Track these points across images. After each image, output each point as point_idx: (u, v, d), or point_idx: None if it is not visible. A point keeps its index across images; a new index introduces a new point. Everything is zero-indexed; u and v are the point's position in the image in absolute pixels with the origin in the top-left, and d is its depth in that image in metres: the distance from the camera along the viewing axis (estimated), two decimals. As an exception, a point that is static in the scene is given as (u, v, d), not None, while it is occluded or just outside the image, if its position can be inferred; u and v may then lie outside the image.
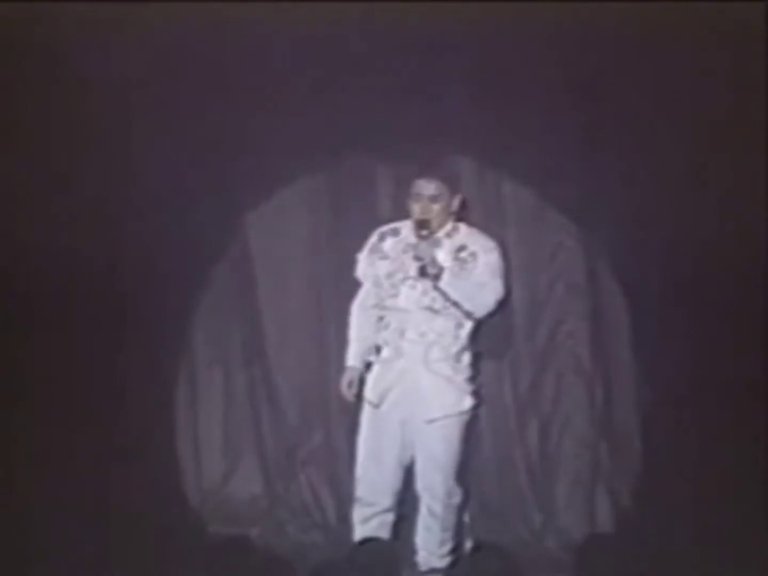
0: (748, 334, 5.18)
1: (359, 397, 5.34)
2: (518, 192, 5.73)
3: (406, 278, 5.22)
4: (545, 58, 5.37)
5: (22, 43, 5.27)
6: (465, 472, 5.36)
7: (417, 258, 5.13)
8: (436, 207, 5.19)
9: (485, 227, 5.43)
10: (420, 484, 5.27)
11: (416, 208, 5.21)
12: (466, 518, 5.49)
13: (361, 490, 5.31)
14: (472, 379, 5.29)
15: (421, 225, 5.16)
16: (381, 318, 5.29)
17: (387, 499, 5.28)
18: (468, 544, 5.47)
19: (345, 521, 5.51)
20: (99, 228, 5.55)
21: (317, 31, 5.30)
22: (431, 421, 5.17)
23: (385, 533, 5.28)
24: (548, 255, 5.75)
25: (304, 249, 5.87)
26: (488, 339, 5.47)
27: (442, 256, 5.17)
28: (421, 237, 5.15)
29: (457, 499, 5.30)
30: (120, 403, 5.67)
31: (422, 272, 5.12)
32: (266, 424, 5.96)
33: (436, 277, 5.11)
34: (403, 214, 5.33)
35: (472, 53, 5.36)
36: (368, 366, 5.34)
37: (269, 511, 5.87)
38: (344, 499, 5.69)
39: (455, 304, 5.16)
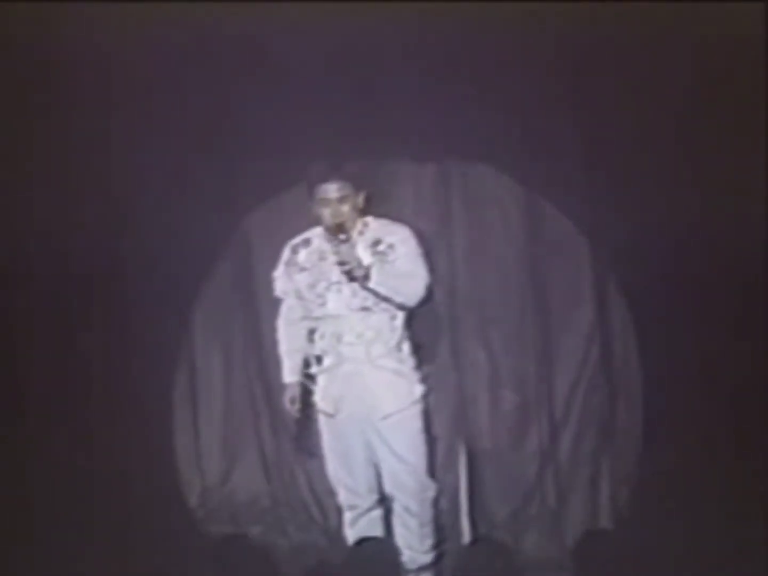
0: (751, 339, 5.19)
1: (304, 410, 5.36)
2: (523, 197, 5.72)
3: (330, 285, 5.18)
4: (548, 60, 5.36)
5: (21, 43, 5.27)
6: (435, 464, 5.37)
7: (341, 263, 5.02)
8: (345, 208, 5.13)
9: (490, 231, 5.47)
10: (389, 484, 5.26)
11: (326, 213, 5.14)
12: (466, 519, 5.51)
13: (340, 496, 5.35)
14: (417, 367, 5.27)
15: (338, 229, 5.08)
16: (313, 330, 5.29)
17: (366, 500, 5.31)
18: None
19: (345, 520, 5.52)
20: (100, 227, 5.56)
21: (319, 33, 5.30)
22: (386, 417, 5.16)
23: (377, 530, 5.30)
24: (554, 260, 5.73)
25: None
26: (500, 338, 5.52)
27: (360, 254, 5.10)
28: (340, 241, 5.05)
29: (431, 492, 5.28)
30: (119, 402, 5.68)
31: (350, 277, 5.02)
32: (266, 423, 5.96)
33: (365, 278, 5.03)
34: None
35: (477, 56, 5.36)
36: (311, 378, 5.33)
37: (269, 511, 5.88)
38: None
39: (386, 299, 5.11)
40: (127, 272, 5.62)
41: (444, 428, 5.64)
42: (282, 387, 5.54)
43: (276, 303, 5.88)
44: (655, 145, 5.31)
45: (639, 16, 5.08)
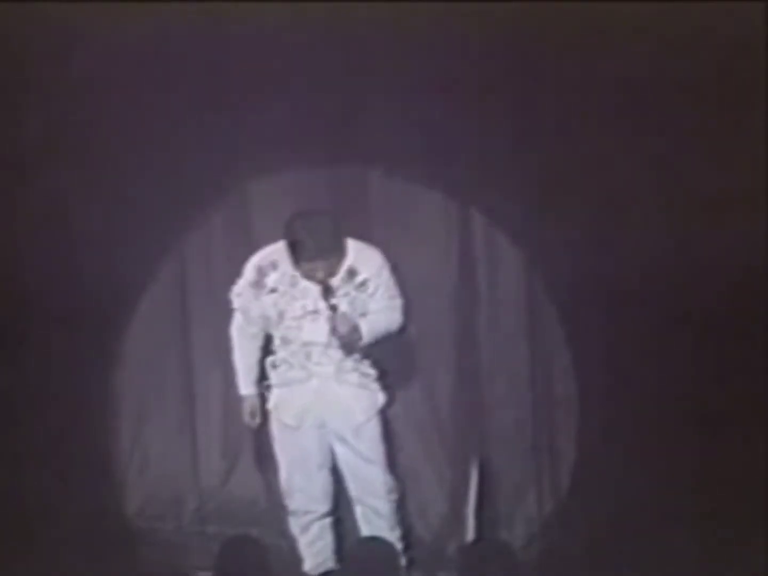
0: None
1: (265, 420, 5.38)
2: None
3: (305, 314, 5.19)
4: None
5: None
6: (396, 466, 5.44)
7: (335, 330, 5.10)
8: (331, 267, 5.09)
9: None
10: (355, 490, 5.32)
11: (316, 275, 5.08)
12: (472, 516, 5.52)
13: (293, 503, 5.36)
14: (379, 376, 5.31)
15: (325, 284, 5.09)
16: (280, 339, 5.27)
17: (323, 505, 5.34)
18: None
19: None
20: (98, 229, 5.57)
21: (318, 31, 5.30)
22: (356, 428, 5.22)
23: (327, 538, 5.37)
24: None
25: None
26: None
27: (337, 283, 5.10)
28: (333, 307, 5.07)
29: (395, 495, 5.35)
30: (118, 403, 5.69)
31: (345, 346, 5.14)
32: (266, 424, 5.95)
33: (359, 339, 5.10)
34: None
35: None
36: (268, 388, 5.36)
37: (269, 511, 5.87)
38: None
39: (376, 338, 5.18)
40: (127, 270, 5.62)
41: (457, 429, 5.73)
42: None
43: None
44: (655, 147, 5.31)
45: (639, 16, 5.08)
